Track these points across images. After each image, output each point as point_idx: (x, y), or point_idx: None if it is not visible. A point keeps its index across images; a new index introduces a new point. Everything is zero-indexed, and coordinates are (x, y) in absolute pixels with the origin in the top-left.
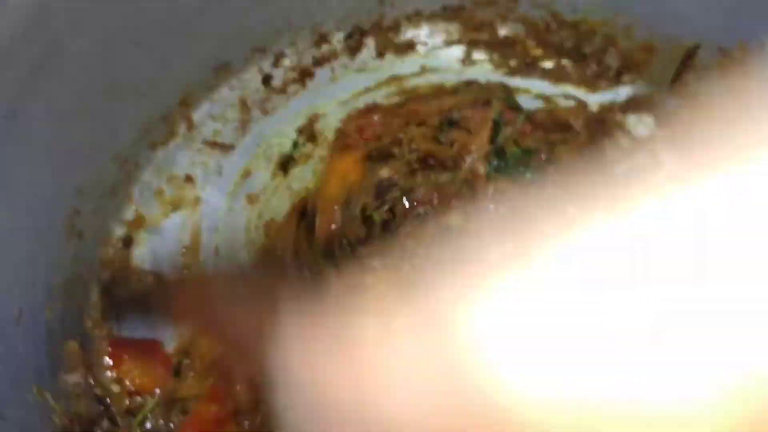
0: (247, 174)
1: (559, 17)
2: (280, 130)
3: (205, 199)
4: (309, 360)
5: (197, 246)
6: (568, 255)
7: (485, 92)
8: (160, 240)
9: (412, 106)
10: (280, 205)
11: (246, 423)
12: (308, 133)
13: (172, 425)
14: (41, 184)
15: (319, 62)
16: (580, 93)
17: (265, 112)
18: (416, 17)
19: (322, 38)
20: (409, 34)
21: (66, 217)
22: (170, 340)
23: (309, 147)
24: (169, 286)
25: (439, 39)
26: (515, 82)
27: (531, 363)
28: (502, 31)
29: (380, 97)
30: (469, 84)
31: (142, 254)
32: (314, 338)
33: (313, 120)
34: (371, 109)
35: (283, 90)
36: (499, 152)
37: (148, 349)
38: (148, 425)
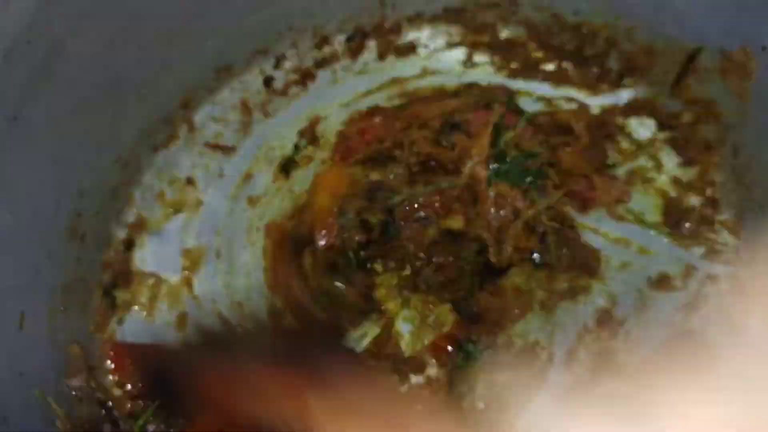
0: (248, 176)
1: (560, 20)
2: (281, 132)
3: (206, 202)
4: None
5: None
6: None
7: (487, 95)
8: (161, 243)
9: (413, 108)
10: (281, 207)
11: None
12: (309, 135)
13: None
14: (43, 186)
15: (320, 64)
16: (582, 96)
17: (267, 114)
18: (417, 19)
19: (324, 40)
20: (410, 36)
21: (68, 220)
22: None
23: (310, 149)
24: (197, 372)
25: (440, 41)
26: (516, 84)
27: None
28: (504, 34)
29: (381, 99)
30: (471, 86)
31: (143, 257)
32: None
33: (314, 122)
34: (373, 111)
35: (284, 92)
36: (500, 156)
37: (151, 353)
38: (150, 429)
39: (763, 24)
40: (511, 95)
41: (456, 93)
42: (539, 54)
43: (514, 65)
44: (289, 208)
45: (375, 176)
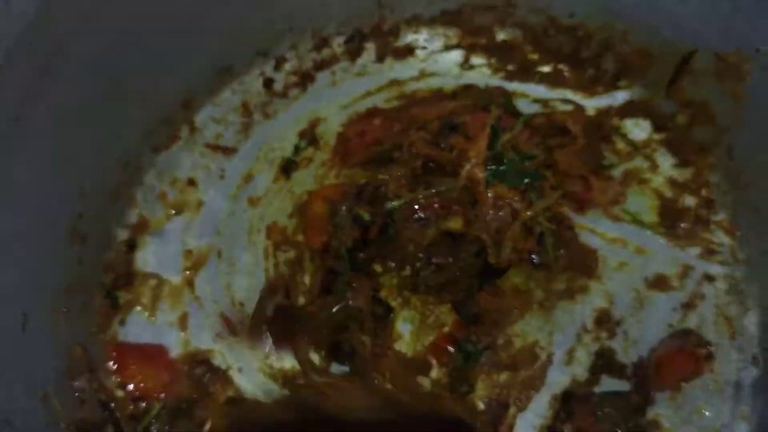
0: (249, 177)
1: (556, 22)
2: (281, 133)
3: (207, 202)
4: None
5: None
6: None
7: (484, 97)
8: (162, 243)
9: (412, 110)
10: (281, 208)
11: None
12: (309, 136)
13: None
14: (44, 187)
15: (320, 66)
16: (578, 97)
17: (267, 115)
18: (415, 22)
19: (323, 42)
20: (408, 38)
21: (69, 221)
22: (175, 345)
23: (310, 151)
24: None
25: (438, 43)
26: (513, 86)
27: None
28: (500, 36)
29: (380, 101)
30: (468, 88)
31: (145, 257)
32: None
33: (314, 124)
34: (372, 113)
35: (284, 94)
36: (497, 158)
37: (153, 354)
38: (154, 430)
39: (757, 26)
40: (508, 97)
41: (454, 95)
42: (535, 56)
43: (510, 67)
44: (290, 209)
45: (375, 178)
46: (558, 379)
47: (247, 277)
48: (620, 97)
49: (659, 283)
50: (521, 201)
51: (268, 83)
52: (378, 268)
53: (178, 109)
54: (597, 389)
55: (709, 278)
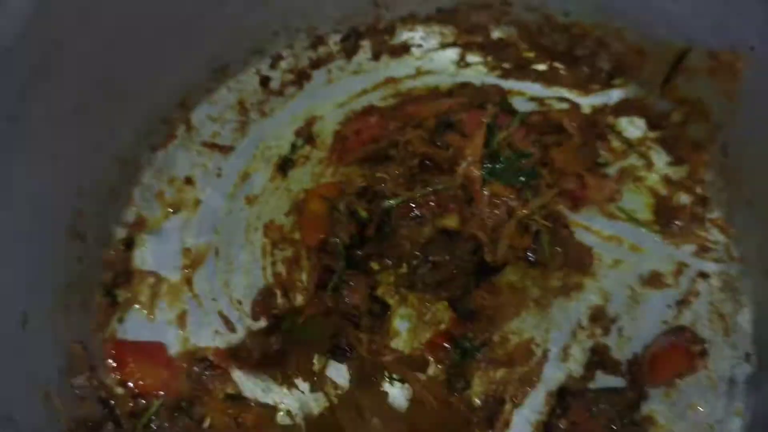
0: (246, 176)
1: (551, 20)
2: (278, 132)
3: (204, 201)
4: None
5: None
6: None
7: (480, 94)
8: (161, 242)
9: (408, 108)
10: (279, 206)
11: None
12: (306, 135)
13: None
14: (43, 186)
15: (315, 64)
16: (573, 95)
17: (263, 114)
18: (411, 20)
19: (319, 40)
20: (404, 36)
21: (68, 220)
22: (174, 342)
23: (307, 149)
24: None
25: (433, 41)
26: (509, 84)
27: None
28: (496, 34)
29: (376, 99)
30: (464, 86)
31: (143, 256)
32: None
33: (310, 122)
34: (368, 111)
35: (280, 92)
36: (493, 156)
37: (152, 351)
38: (153, 427)
39: (751, 25)
40: (503, 95)
41: (450, 93)
42: (531, 54)
43: (506, 65)
44: (287, 207)
45: (372, 176)
46: (553, 376)
47: (245, 275)
48: (615, 95)
49: (654, 280)
50: (517, 199)
51: (265, 81)
52: (375, 265)
53: (175, 107)
54: (592, 385)
55: (704, 275)
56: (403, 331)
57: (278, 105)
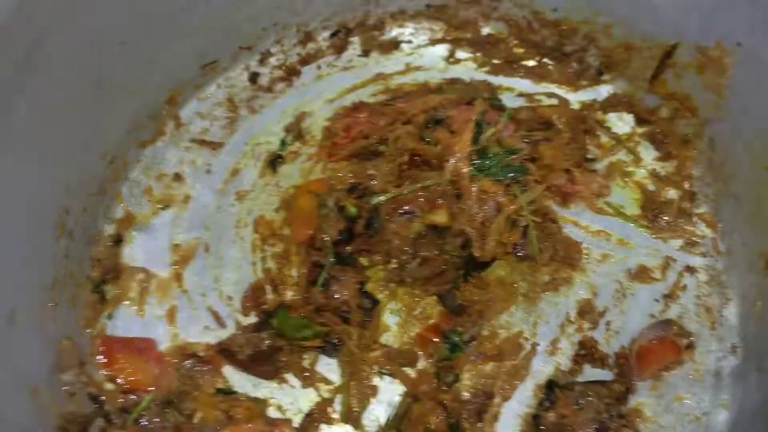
0: (235, 172)
1: (540, 16)
2: (267, 128)
3: (194, 197)
4: None
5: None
6: None
7: (470, 90)
8: (150, 238)
9: (398, 104)
10: (268, 202)
11: None
12: (296, 131)
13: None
14: (29, 182)
15: (305, 60)
16: (562, 91)
17: (253, 110)
18: (401, 16)
19: (308, 37)
20: (393, 32)
21: (55, 216)
22: (163, 338)
23: (297, 145)
24: None
25: (423, 37)
26: (498, 80)
27: None
28: (486, 30)
29: (366, 95)
30: (454, 82)
31: (132, 252)
32: None
33: (300, 118)
34: (358, 107)
35: (269, 88)
36: (482, 152)
37: (142, 347)
38: (144, 422)
39: (739, 20)
40: (493, 91)
41: (439, 89)
42: (520, 50)
43: (495, 61)
44: (276, 203)
45: (361, 173)
46: (542, 369)
47: (235, 271)
48: (604, 91)
49: (641, 274)
50: (505, 195)
51: (254, 78)
52: (364, 261)
53: (164, 104)
54: (580, 378)
55: (691, 270)
56: (393, 325)
57: (268, 101)
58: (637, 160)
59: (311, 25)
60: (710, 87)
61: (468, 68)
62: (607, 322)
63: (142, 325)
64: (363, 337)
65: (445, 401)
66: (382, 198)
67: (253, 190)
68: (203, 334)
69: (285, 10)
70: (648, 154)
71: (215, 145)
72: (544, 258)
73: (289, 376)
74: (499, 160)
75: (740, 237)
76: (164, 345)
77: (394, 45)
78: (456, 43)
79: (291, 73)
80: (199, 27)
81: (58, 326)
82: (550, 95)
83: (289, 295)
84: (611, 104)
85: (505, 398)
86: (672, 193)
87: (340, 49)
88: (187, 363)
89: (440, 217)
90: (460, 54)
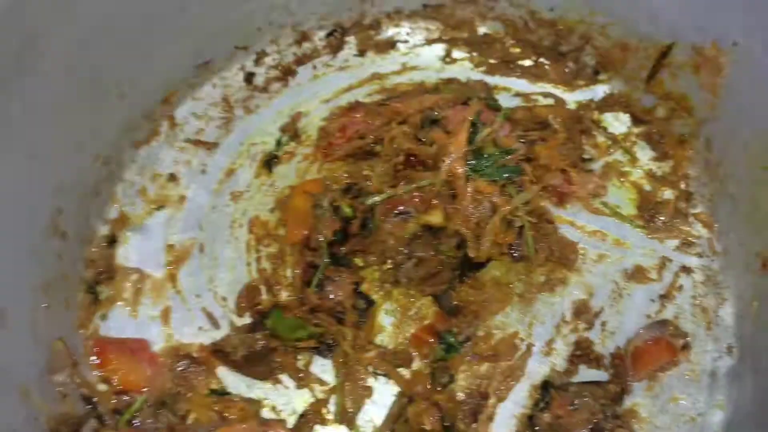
0: (230, 172)
1: (536, 16)
2: (263, 128)
3: (189, 197)
4: None
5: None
6: None
7: (466, 90)
8: (144, 238)
9: (393, 104)
10: (264, 202)
11: None
12: (291, 131)
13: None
14: (21, 183)
15: (301, 60)
16: (559, 91)
17: (248, 110)
18: (397, 15)
19: (304, 36)
20: (390, 32)
21: (48, 217)
22: (157, 339)
23: (292, 145)
24: None
25: (419, 37)
26: (495, 80)
27: None
28: (482, 30)
29: (362, 95)
30: (450, 82)
31: (126, 253)
32: None
33: (295, 118)
34: (354, 107)
35: (265, 88)
36: (477, 153)
37: (136, 348)
38: (137, 423)
39: (735, 20)
40: (489, 91)
41: (435, 88)
42: (517, 50)
43: (492, 61)
44: (271, 203)
45: (357, 173)
46: (537, 370)
47: (229, 271)
48: (600, 90)
49: (637, 274)
50: (501, 195)
51: (249, 78)
52: (359, 261)
53: (158, 104)
54: (575, 379)
55: (687, 270)
56: (388, 326)
57: (263, 101)
58: (634, 160)
59: (307, 24)
60: (706, 86)
61: (464, 68)
62: (603, 322)
63: (136, 325)
64: (358, 337)
65: (440, 402)
66: (377, 198)
67: (248, 190)
68: (197, 335)
69: (280, 9)
70: (644, 154)
71: (210, 146)
72: (540, 258)
73: (284, 377)
74: (494, 161)
75: (736, 237)
76: (158, 346)
77: (390, 45)
78: (452, 42)
79: (287, 73)
80: (194, 26)
81: (51, 327)
82: (547, 95)
83: (284, 295)
84: (607, 104)
85: (501, 399)
86: (668, 193)
87: (335, 48)
88: (181, 364)
89: (435, 218)
90: (457, 54)
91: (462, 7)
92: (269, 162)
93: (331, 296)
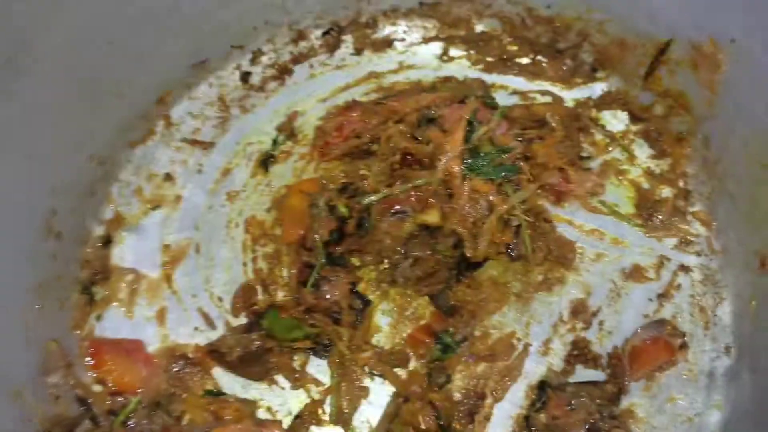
0: (227, 172)
1: (534, 13)
2: (259, 127)
3: (185, 197)
4: None
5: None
6: None
7: (463, 88)
8: (139, 239)
9: (390, 103)
10: (260, 202)
11: None
12: (288, 130)
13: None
14: (15, 183)
15: (297, 59)
16: (556, 89)
17: (245, 109)
18: (393, 13)
19: (300, 35)
20: (386, 30)
21: (42, 218)
22: (153, 339)
23: (289, 145)
24: None
25: (416, 35)
26: (492, 78)
27: None
28: (479, 27)
29: (359, 94)
30: (447, 80)
31: (122, 253)
32: None
33: (292, 117)
34: (350, 106)
35: (261, 87)
36: (473, 151)
37: (131, 348)
38: (131, 424)
39: (733, 16)
40: (486, 89)
41: (433, 87)
42: (514, 47)
43: (489, 59)
44: (268, 203)
45: (353, 172)
46: (534, 370)
47: (225, 271)
48: (598, 88)
49: (635, 273)
50: (497, 194)
51: (245, 77)
52: (356, 261)
53: (154, 104)
54: (572, 379)
55: (685, 269)
56: (385, 326)
57: (259, 100)
58: (632, 158)
59: (303, 23)
60: (704, 83)
61: (462, 66)
62: (600, 322)
63: (131, 326)
64: (354, 338)
65: (435, 401)
66: (373, 197)
67: (245, 190)
68: (193, 336)
69: (276, 8)
70: (642, 152)
71: (206, 145)
72: (538, 258)
73: (279, 378)
74: (491, 159)
75: (735, 235)
76: (153, 346)
77: (387, 43)
78: (449, 40)
79: (283, 72)
80: (190, 26)
81: (45, 328)
82: (544, 93)
83: (280, 295)
84: (605, 102)
85: (497, 399)
86: (666, 192)
87: (332, 47)
88: (176, 364)
89: (432, 217)
90: (454, 52)
91: (459, 5)
92: (265, 161)
93: (328, 296)
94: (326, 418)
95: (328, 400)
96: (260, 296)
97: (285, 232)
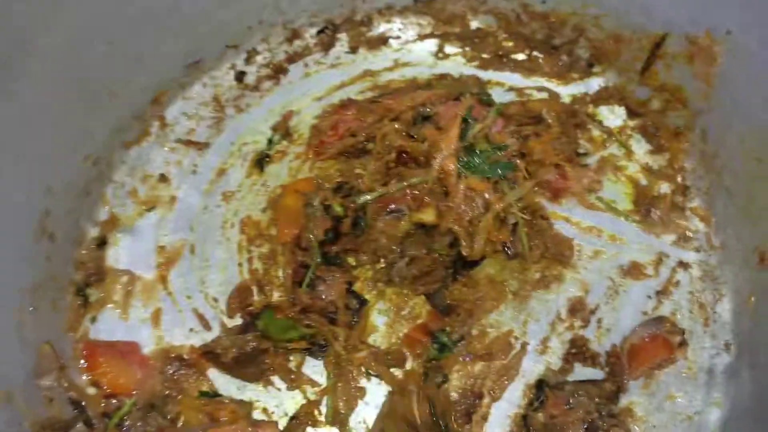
0: (222, 172)
1: (529, 8)
2: (254, 127)
3: (180, 198)
4: None
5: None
6: None
7: (458, 86)
8: (134, 240)
9: (385, 101)
10: (255, 202)
11: None
12: (283, 130)
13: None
14: (10, 184)
15: (292, 58)
16: (552, 85)
17: (239, 109)
18: (388, 11)
19: (295, 34)
20: (381, 28)
21: (36, 219)
22: (148, 341)
23: (284, 144)
24: None
25: (411, 33)
26: (488, 74)
27: None
28: (474, 24)
29: (354, 92)
30: (443, 77)
31: (117, 254)
32: None
33: (287, 117)
34: (346, 104)
35: (256, 87)
36: (469, 149)
37: (126, 350)
38: (125, 427)
39: (728, 9)
40: (482, 86)
41: (428, 84)
42: (509, 43)
43: (485, 55)
44: (263, 203)
45: (348, 171)
46: (532, 368)
47: (221, 272)
48: (595, 83)
49: (634, 270)
50: (493, 192)
51: (240, 76)
52: (352, 261)
53: (149, 104)
54: (571, 377)
55: (684, 265)
56: (381, 326)
57: (254, 100)
58: (629, 154)
59: (297, 22)
60: (700, 76)
61: (457, 63)
62: (599, 319)
63: (126, 328)
64: (350, 337)
65: (430, 395)
66: (368, 196)
67: (240, 190)
68: (188, 337)
69: (271, 7)
70: (640, 147)
71: (201, 146)
72: (535, 255)
73: (275, 379)
74: (487, 157)
75: (734, 231)
76: (148, 348)
77: (382, 41)
78: (444, 38)
79: (278, 71)
80: (185, 26)
81: (38, 330)
82: (540, 89)
83: (276, 296)
84: (602, 97)
85: (495, 398)
86: (665, 187)
87: (327, 46)
88: (172, 366)
89: (428, 216)
90: (449, 49)
91: (453, 2)
92: (261, 161)
93: (323, 296)
94: (322, 418)
95: (324, 400)
96: (256, 297)
97: (280, 231)
